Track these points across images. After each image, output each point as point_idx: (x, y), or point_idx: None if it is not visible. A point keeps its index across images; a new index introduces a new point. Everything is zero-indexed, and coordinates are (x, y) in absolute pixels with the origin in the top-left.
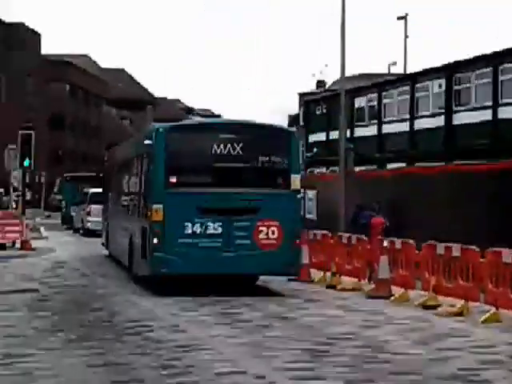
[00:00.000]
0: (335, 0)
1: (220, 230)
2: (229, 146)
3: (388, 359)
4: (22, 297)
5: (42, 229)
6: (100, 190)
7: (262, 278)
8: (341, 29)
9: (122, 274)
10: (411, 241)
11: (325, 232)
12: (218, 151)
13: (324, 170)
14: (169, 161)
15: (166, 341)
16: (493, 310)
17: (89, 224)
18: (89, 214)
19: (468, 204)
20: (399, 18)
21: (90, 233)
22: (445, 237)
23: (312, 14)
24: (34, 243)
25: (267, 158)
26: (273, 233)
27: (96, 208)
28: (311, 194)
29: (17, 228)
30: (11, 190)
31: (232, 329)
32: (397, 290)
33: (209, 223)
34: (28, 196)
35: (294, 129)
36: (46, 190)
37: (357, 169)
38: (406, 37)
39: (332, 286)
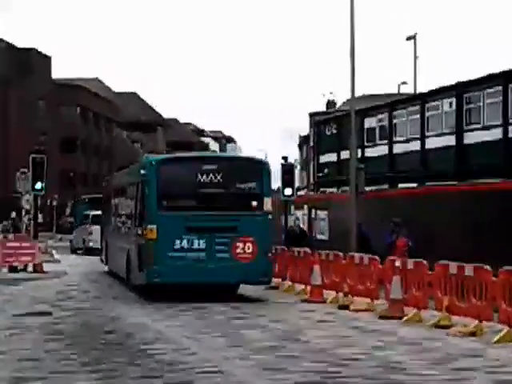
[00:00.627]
0: (345, 21)
1: (204, 246)
2: (211, 175)
3: (402, 380)
4: (35, 320)
5: (53, 252)
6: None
7: (272, 298)
8: (350, 49)
9: (132, 296)
10: (423, 261)
11: (337, 252)
12: (202, 179)
13: (335, 190)
14: (160, 188)
15: (179, 363)
16: (506, 329)
17: (91, 243)
18: (91, 233)
19: (481, 223)
20: (408, 39)
21: (92, 251)
22: (457, 256)
23: (322, 34)
24: (46, 266)
25: (243, 185)
26: (248, 248)
27: (97, 228)
28: (323, 214)
29: (29, 251)
30: (23, 213)
31: (243, 350)
32: (409, 311)
33: (194, 240)
34: (40, 219)
35: (265, 159)
36: (57, 212)
37: (368, 189)
38: (416, 57)
39: (344, 307)
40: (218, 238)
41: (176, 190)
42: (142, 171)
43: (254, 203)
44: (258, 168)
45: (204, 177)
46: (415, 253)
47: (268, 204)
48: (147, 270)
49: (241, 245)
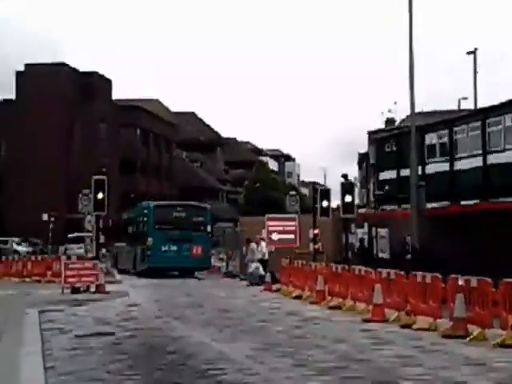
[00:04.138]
0: (403, 37)
1: (176, 248)
2: (181, 213)
3: None
4: (98, 340)
5: (115, 272)
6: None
7: (333, 317)
8: (409, 65)
9: (196, 317)
10: (488, 279)
11: (398, 271)
12: (176, 215)
13: (395, 207)
14: (155, 219)
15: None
16: None
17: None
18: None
19: None
20: (468, 53)
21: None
22: None
23: (380, 51)
24: (108, 287)
25: (197, 218)
26: (198, 250)
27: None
28: (383, 231)
29: (91, 272)
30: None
31: (307, 371)
32: (473, 329)
33: (171, 245)
34: (102, 240)
35: (207, 205)
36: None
37: (429, 206)
38: (476, 72)
39: (407, 326)
40: (184, 245)
41: (163, 220)
42: (145, 211)
43: (202, 227)
44: (204, 209)
45: (176, 213)
46: None
47: (208, 228)
48: (149, 260)
49: (195, 248)
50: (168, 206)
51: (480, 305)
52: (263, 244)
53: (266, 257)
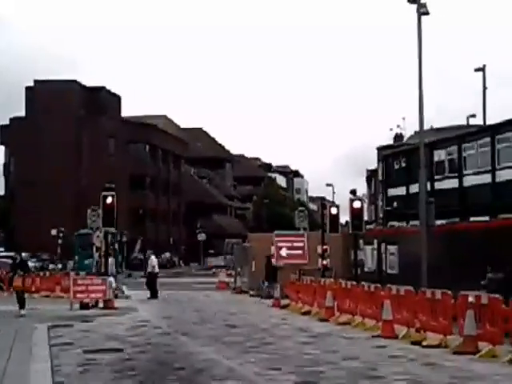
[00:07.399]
0: (412, 54)
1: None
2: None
3: None
4: (107, 356)
5: (124, 288)
6: None
7: (343, 334)
8: (418, 82)
9: (205, 333)
10: (498, 296)
11: (408, 287)
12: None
13: (404, 224)
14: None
15: None
16: None
17: None
18: None
19: None
20: (477, 70)
21: None
22: None
23: (388, 67)
24: (117, 302)
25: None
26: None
27: None
28: (392, 248)
29: (100, 288)
30: (94, 250)
31: None
32: (484, 346)
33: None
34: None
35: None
36: (127, 249)
37: (438, 222)
38: (485, 88)
39: (417, 343)
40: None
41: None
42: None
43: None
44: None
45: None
46: None
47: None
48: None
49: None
50: (84, 234)
51: (490, 322)
52: (153, 258)
53: (156, 270)
